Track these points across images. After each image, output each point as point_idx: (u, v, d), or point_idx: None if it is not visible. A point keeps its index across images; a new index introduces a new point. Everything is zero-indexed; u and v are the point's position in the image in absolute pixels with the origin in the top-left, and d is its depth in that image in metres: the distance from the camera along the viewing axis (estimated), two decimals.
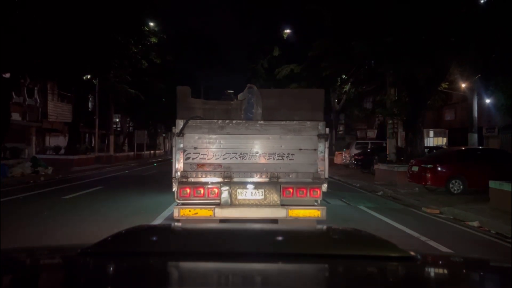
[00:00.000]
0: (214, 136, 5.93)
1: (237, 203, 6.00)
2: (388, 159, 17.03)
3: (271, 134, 5.96)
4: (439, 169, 11.96)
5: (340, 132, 35.36)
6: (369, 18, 13.81)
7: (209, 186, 5.93)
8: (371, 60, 15.13)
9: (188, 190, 5.89)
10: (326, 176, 6.05)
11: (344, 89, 26.78)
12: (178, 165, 5.90)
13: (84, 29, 17.32)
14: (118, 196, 11.27)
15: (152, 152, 41.18)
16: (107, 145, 29.78)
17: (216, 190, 5.93)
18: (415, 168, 12.67)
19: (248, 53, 34.36)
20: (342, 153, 24.64)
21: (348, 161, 22.94)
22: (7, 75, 17.96)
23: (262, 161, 5.96)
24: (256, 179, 5.97)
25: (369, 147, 22.95)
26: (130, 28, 20.14)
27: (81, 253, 1.54)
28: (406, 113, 15.68)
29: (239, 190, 6.02)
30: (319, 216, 5.86)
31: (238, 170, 5.93)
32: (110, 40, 19.53)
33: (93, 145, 29.78)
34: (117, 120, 39.10)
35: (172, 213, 6.04)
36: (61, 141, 27.82)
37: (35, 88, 25.79)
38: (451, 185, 11.88)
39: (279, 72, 30.55)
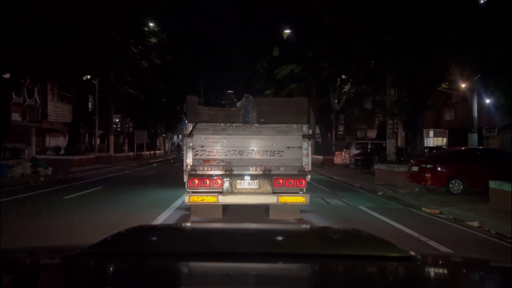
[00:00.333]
0: (217, 136, 7.21)
1: (236, 191, 7.31)
2: (388, 159, 17.01)
3: (264, 135, 7.28)
4: (439, 169, 11.96)
5: (340, 132, 35.37)
6: (369, 18, 13.82)
7: (214, 178, 7.23)
8: (371, 60, 15.12)
9: (196, 181, 7.20)
10: (309, 169, 7.33)
11: (344, 90, 26.78)
12: (188, 160, 7.18)
13: (84, 29, 17.31)
14: (118, 196, 11.28)
15: (152, 152, 41.16)
16: (107, 145, 29.75)
17: (219, 181, 7.23)
18: (415, 168, 12.66)
19: (248, 53, 34.41)
20: (342, 153, 24.62)
21: (348, 161, 22.93)
22: (7, 75, 17.96)
23: (257, 157, 7.26)
24: (252, 171, 7.27)
25: (369, 147, 22.95)
26: (130, 28, 20.14)
27: (81, 253, 1.54)
28: (406, 113, 15.66)
29: (238, 181, 7.33)
30: (304, 201, 7.23)
31: (237, 164, 7.23)
32: (110, 41, 19.53)
33: (93, 145, 29.76)
34: (117, 120, 39.11)
35: (169, 217, 7.12)
36: (61, 141, 27.82)
37: (35, 89, 25.81)
38: (451, 185, 11.89)
39: (279, 73, 30.51)
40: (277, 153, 7.28)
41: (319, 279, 1.46)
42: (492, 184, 9.25)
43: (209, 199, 7.16)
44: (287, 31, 27.97)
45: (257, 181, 7.36)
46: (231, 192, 7.27)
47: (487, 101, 16.53)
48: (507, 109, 12.08)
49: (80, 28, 17.66)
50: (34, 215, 8.22)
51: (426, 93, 15.71)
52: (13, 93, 21.93)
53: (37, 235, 6.45)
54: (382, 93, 22.70)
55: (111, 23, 18.24)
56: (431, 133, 24.68)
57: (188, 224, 3.60)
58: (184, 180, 7.24)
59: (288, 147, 7.27)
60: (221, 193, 7.20)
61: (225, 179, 7.25)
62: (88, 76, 24.70)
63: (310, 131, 7.45)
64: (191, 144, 7.23)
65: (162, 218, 8.02)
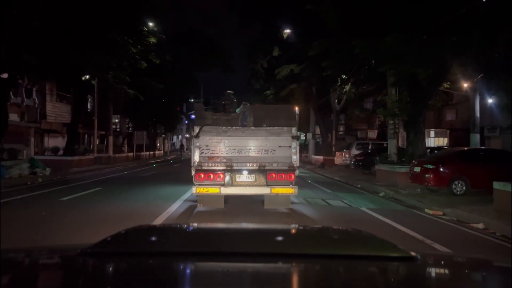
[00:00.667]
0: (220, 137, 8.40)
1: (236, 184, 8.47)
2: (389, 159, 16.87)
3: (259, 136, 8.49)
4: (441, 169, 11.82)
5: (340, 132, 35.23)
6: (370, 17, 13.67)
7: (217, 172, 8.38)
8: (372, 60, 14.96)
9: (202, 175, 8.35)
10: (297, 165, 8.67)
11: (345, 90, 26.64)
12: (195, 157, 8.39)
13: (82, 28, 17.18)
14: (116, 197, 11.13)
15: (151, 152, 41.00)
16: (106, 146, 29.60)
17: (221, 175, 8.39)
18: (417, 169, 12.52)
19: (248, 54, 34.19)
20: (342, 154, 24.47)
21: (348, 162, 22.78)
22: (5, 75, 17.81)
23: (253, 154, 8.45)
24: (249, 167, 8.45)
25: (369, 147, 22.79)
26: (129, 28, 19.99)
27: (81, 253, 1.53)
28: (407, 113, 15.52)
29: (237, 175, 8.49)
30: (293, 192, 8.51)
31: (236, 161, 8.41)
32: (109, 40, 19.40)
33: (92, 146, 29.59)
34: (117, 121, 38.96)
35: (167, 219, 7.88)
36: (60, 142, 27.64)
37: (34, 89, 25.63)
38: (453, 186, 11.74)
39: (279, 73, 30.42)
40: (270, 151, 8.47)
41: (320, 279, 1.45)
42: (496, 185, 9.10)
43: (213, 190, 8.34)
44: (287, 31, 27.79)
45: (254, 175, 8.53)
46: (231, 184, 8.44)
47: (490, 101, 16.39)
48: (510, 109, 11.94)
49: (78, 27, 17.53)
50: (31, 217, 8.07)
51: (428, 93, 15.58)
52: (11, 94, 21.82)
53: (33, 238, 6.28)
54: (383, 93, 22.58)
55: (110, 22, 18.10)
56: (432, 133, 24.56)
57: (188, 224, 3.52)
58: (192, 174, 8.49)
59: (280, 146, 8.48)
60: (223, 185, 8.37)
61: (226, 173, 8.43)
62: (87, 77, 24.56)
63: (298, 133, 8.84)
64: (197, 144, 8.40)
65: (161, 220, 7.87)
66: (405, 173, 14.61)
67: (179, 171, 22.10)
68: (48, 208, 9.19)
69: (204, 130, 8.42)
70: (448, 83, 17.05)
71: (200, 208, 8.81)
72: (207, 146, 8.41)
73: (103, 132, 31.64)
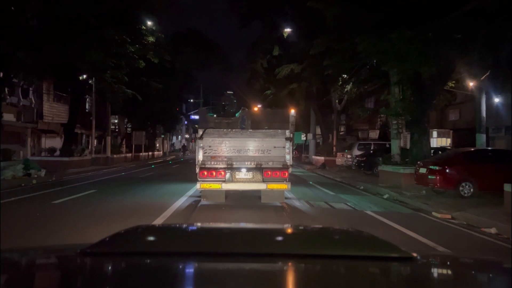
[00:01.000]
0: (221, 139, 9.26)
1: (235, 180, 9.27)
2: (392, 160, 16.48)
3: (257, 138, 9.37)
4: (448, 171, 11.42)
5: (340, 133, 34.82)
6: (373, 14, 13.28)
7: (218, 170, 9.21)
8: (375, 58, 14.57)
9: (205, 172, 9.18)
10: (290, 163, 9.49)
11: (346, 89, 26.23)
12: (199, 157, 9.25)
13: (79, 26, 16.81)
14: (110, 200, 10.71)
15: (150, 153, 40.59)
16: (104, 146, 29.19)
17: (223, 172, 9.19)
18: (423, 170, 12.13)
19: (248, 53, 33.74)
20: (344, 154, 24.06)
21: (350, 162, 22.38)
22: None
23: (251, 154, 9.29)
24: (248, 165, 9.29)
25: (372, 147, 22.38)
26: (125, 24, 19.58)
27: (80, 253, 1.53)
28: (411, 113, 15.12)
29: (237, 172, 9.28)
30: (287, 188, 9.36)
31: (236, 160, 9.26)
32: (105, 38, 19.01)
33: (90, 147, 29.20)
34: (116, 121, 38.55)
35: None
36: (57, 142, 27.20)
37: (30, 89, 25.24)
38: (461, 188, 11.34)
39: (279, 72, 30.00)
40: (266, 151, 9.32)
41: (320, 280, 1.45)
42: (507, 187, 8.70)
43: (215, 186, 9.20)
44: (288, 30, 27.38)
45: (251, 172, 9.33)
46: (231, 180, 9.24)
47: (496, 100, 15.99)
48: None
49: (73, 23, 17.16)
50: (19, 221, 7.65)
51: (432, 92, 15.18)
52: (6, 93, 21.42)
53: (20, 245, 5.85)
54: (385, 93, 22.19)
55: (106, 19, 17.71)
56: (435, 133, 24.13)
57: (186, 224, 3.74)
58: (196, 172, 9.27)
59: (275, 147, 9.34)
60: (224, 181, 9.18)
61: (227, 171, 9.22)
62: (84, 76, 24.17)
63: (291, 135, 9.82)
64: (201, 145, 9.26)
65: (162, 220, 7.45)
66: (409, 174, 14.22)
67: (178, 172, 21.72)
68: (37, 211, 8.77)
69: (207, 133, 9.32)
70: (453, 82, 16.65)
71: (203, 201, 9.73)
72: (210, 146, 9.29)
73: (102, 133, 31.28)
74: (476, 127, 15.24)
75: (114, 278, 1.43)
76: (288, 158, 9.38)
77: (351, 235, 2.02)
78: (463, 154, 12.29)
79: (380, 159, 17.65)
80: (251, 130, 9.58)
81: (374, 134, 29.11)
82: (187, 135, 74.38)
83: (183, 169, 24.69)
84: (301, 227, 2.95)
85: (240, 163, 9.31)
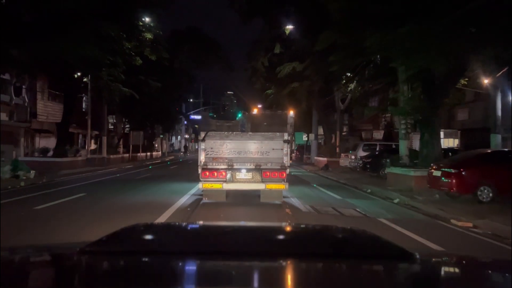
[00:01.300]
0: (222, 141, 9.62)
1: (236, 180, 9.59)
2: (400, 161, 15.61)
3: (256, 140, 9.72)
4: (466, 174, 10.55)
5: (343, 133, 33.93)
6: (381, 6, 12.41)
7: (220, 170, 9.54)
8: (384, 54, 13.71)
9: (207, 173, 9.51)
10: (288, 164, 9.79)
11: (350, 88, 25.37)
12: (201, 158, 9.60)
13: (73, 20, 15.97)
14: (99, 205, 9.85)
15: (149, 153, 39.70)
16: (100, 147, 28.33)
17: (223, 173, 9.52)
18: (437, 173, 11.27)
19: (248, 51, 32.86)
20: (348, 155, 23.17)
21: (354, 164, 21.50)
22: None
23: (251, 156, 9.62)
24: (247, 166, 9.60)
25: (377, 148, 21.51)
26: (121, 19, 18.74)
27: (80, 252, 1.53)
28: (421, 112, 14.27)
29: (237, 173, 9.60)
30: (284, 188, 9.68)
31: (236, 161, 9.58)
32: (99, 32, 18.19)
33: (86, 147, 28.34)
34: (113, 121, 37.70)
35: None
36: (52, 142, 26.27)
37: (23, 87, 24.40)
38: (479, 192, 10.48)
39: (280, 71, 29.19)
40: (265, 153, 9.67)
41: (320, 279, 1.44)
42: None
43: (216, 185, 9.56)
44: (289, 27, 26.51)
45: (251, 173, 9.66)
46: (232, 181, 9.57)
47: (510, 99, 15.10)
48: None
49: (66, 19, 16.34)
50: None
51: (444, 90, 14.34)
52: None
53: None
54: (391, 91, 21.33)
55: (99, 12, 16.87)
56: (442, 134, 23.21)
57: (185, 223, 3.63)
58: (199, 172, 9.69)
59: (273, 149, 9.68)
60: (225, 181, 9.53)
61: (228, 171, 9.55)
62: (79, 74, 23.32)
63: (289, 138, 10.16)
64: (203, 146, 9.63)
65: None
66: (420, 177, 13.39)
67: (175, 174, 20.85)
68: (15, 219, 7.86)
69: (209, 135, 9.76)
70: (466, 79, 15.79)
71: (205, 200, 10.05)
72: (211, 148, 9.65)
73: (99, 133, 30.42)
74: (491, 127, 14.36)
75: (113, 276, 1.41)
76: (286, 160, 9.75)
77: (351, 233, 2.02)
78: (481, 155, 11.41)
79: (388, 160, 16.76)
80: (250, 133, 10.32)
81: (379, 134, 28.24)
82: (186, 136, 73.53)
83: (181, 170, 23.86)
84: (302, 226, 2.93)
85: (240, 164, 9.67)
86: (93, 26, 16.94)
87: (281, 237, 1.92)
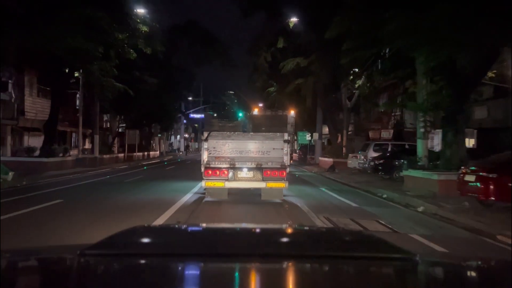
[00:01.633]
0: (225, 141, 10.05)
1: (237, 179, 9.99)
2: (419, 163, 14.07)
3: (257, 140, 10.18)
4: (507, 179, 8.97)
5: (349, 133, 32.32)
6: None
7: (222, 169, 9.94)
8: (404, 43, 12.17)
9: (210, 171, 9.93)
10: (288, 164, 10.19)
11: (357, 84, 23.80)
12: (204, 157, 10.02)
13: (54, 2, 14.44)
14: (73, 216, 8.28)
15: (146, 153, 38.13)
16: (93, 146, 26.80)
17: (226, 171, 9.93)
18: (470, 178, 9.71)
19: (250, 46, 31.26)
20: (357, 156, 21.60)
21: (364, 165, 19.94)
22: None
23: (252, 155, 10.04)
24: (249, 165, 10.02)
25: (389, 148, 19.94)
26: (110, 6, 17.19)
27: (80, 254, 1.52)
28: (444, 108, 12.73)
29: (239, 172, 10.01)
30: (284, 186, 10.04)
31: (238, 160, 10.00)
32: (89, 23, 16.67)
33: (77, 146, 26.78)
34: (107, 119, 36.11)
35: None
36: (42, 141, 24.81)
37: (10, 81, 22.86)
38: None
39: (283, 67, 27.72)
40: (266, 153, 9.95)
41: (320, 280, 1.44)
42: None
43: (219, 184, 9.83)
44: (294, 19, 24.94)
45: (252, 172, 9.96)
46: (234, 179, 9.85)
47: None
48: None
49: (52, 5, 14.84)
50: None
51: (471, 83, 12.79)
52: None
53: None
54: (404, 87, 19.79)
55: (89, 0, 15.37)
56: None
57: (186, 225, 3.43)
58: (202, 171, 9.94)
59: (274, 148, 9.98)
60: (227, 180, 9.82)
61: (230, 170, 9.85)
62: (68, 68, 21.76)
63: (289, 138, 10.55)
64: (206, 146, 9.97)
65: None
66: (445, 181, 11.88)
67: (171, 175, 19.26)
68: None
69: (212, 135, 10.09)
70: (494, 71, 14.22)
71: (207, 198, 10.39)
72: (214, 147, 9.99)
73: (92, 131, 28.85)
74: None
75: (113, 279, 1.41)
76: (286, 159, 10.10)
77: (352, 235, 2.09)
78: None
79: (405, 161, 15.22)
80: (252, 133, 10.61)
81: (387, 134, 26.64)
82: (186, 135, 71.95)
83: (177, 171, 22.33)
84: (306, 228, 3.06)
85: (242, 163, 10.01)
86: (80, 13, 15.37)
87: (281, 239, 1.93)
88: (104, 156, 26.90)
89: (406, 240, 6.73)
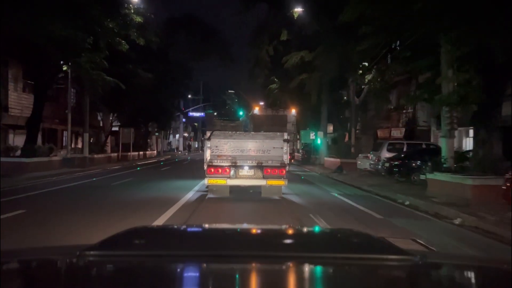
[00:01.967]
0: (227, 140, 10.64)
1: (239, 177, 10.55)
2: (444, 165, 12.35)
3: (258, 139, 10.81)
4: None
5: (356, 131, 30.60)
6: None
7: (224, 167, 10.46)
8: (430, 27, 10.46)
9: (212, 169, 10.46)
10: (287, 162, 10.79)
11: (367, 79, 22.06)
12: (207, 155, 10.61)
13: None
14: (30, 231, 6.59)
15: (141, 152, 36.42)
16: (83, 145, 25.08)
17: (227, 169, 10.46)
18: None
19: (251, 39, 29.49)
20: (369, 156, 19.87)
21: (376, 167, 18.22)
22: None
23: (253, 154, 10.61)
24: (250, 163, 10.57)
25: (404, 148, 18.21)
26: None
27: (80, 255, 1.51)
28: (477, 102, 11.03)
29: (240, 170, 10.56)
30: (284, 184, 10.56)
31: (240, 159, 10.54)
32: (75, 9, 15.01)
33: (67, 145, 25.07)
34: (99, 118, 34.39)
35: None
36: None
37: None
38: None
39: (287, 61, 26.00)
40: (266, 151, 10.55)
41: (320, 280, 1.43)
42: None
43: (221, 181, 10.44)
44: (298, 9, 23.19)
45: (253, 170, 10.52)
46: (235, 177, 10.46)
47: None
48: None
49: None
50: None
51: (507, 73, 11.08)
52: None
53: None
54: (416, 83, 18.08)
55: None
56: (471, 132, 19.90)
57: (186, 226, 3.57)
58: (204, 169, 10.58)
59: (274, 147, 10.57)
60: (229, 177, 10.42)
61: (231, 168, 10.44)
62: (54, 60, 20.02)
63: (289, 137, 11.59)
64: (209, 145, 10.58)
65: None
66: (480, 186, 10.21)
67: (165, 177, 17.50)
68: None
69: (214, 134, 10.52)
70: None
71: (210, 195, 10.76)
72: (216, 146, 10.37)
73: (92, 130, 27.14)
74: None
75: (112, 280, 1.40)
76: (286, 158, 10.58)
77: (352, 236, 2.02)
78: None
79: (426, 163, 13.52)
80: (253, 132, 11.37)
81: (398, 132, 24.90)
82: (185, 134, 70.30)
83: (173, 173, 20.61)
84: (305, 229, 3.01)
85: (243, 161, 10.40)
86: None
87: (280, 240, 1.93)
88: (96, 156, 25.20)
89: None
